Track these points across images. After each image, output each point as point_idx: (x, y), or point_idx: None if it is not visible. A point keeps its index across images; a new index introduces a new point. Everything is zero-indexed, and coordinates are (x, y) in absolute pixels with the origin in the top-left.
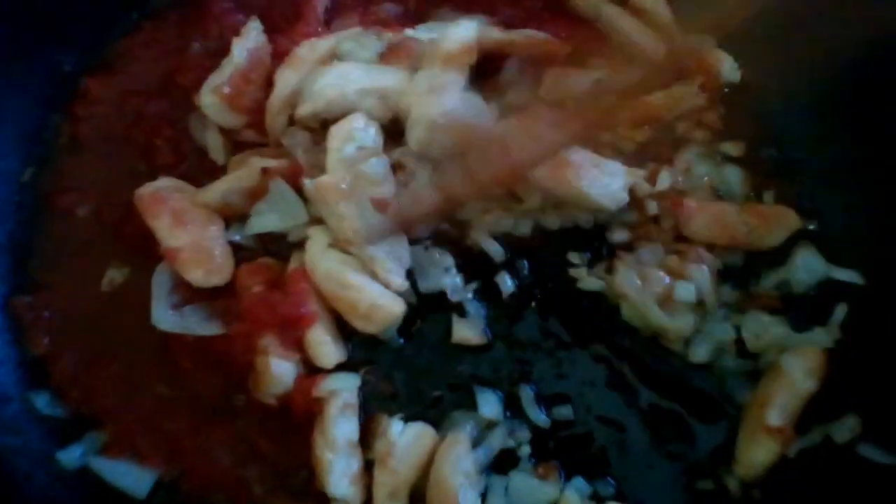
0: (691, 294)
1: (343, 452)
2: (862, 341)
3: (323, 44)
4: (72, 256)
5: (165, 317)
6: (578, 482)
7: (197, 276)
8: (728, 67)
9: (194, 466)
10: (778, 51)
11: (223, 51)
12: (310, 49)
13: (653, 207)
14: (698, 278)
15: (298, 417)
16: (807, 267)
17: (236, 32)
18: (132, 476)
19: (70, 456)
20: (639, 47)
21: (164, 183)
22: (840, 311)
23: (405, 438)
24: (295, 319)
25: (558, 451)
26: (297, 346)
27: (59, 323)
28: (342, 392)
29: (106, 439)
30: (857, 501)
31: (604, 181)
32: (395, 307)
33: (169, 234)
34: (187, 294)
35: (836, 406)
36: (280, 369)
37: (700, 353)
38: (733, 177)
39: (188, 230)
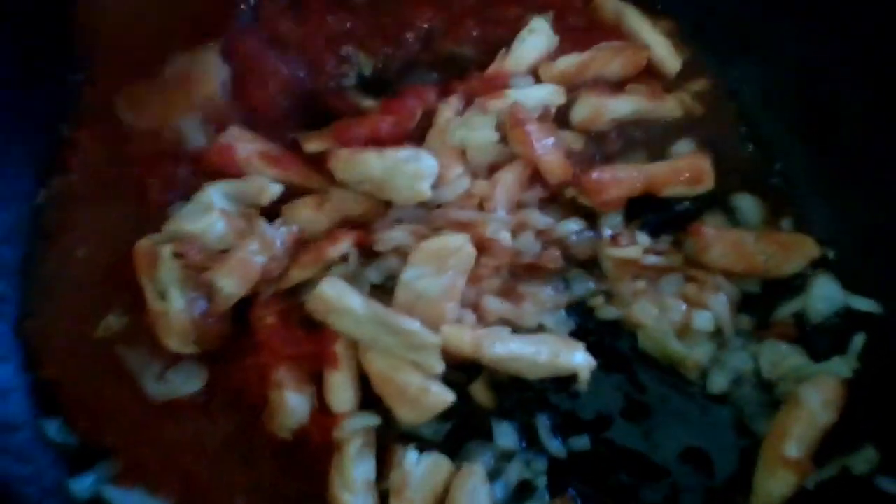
0: (709, 323)
1: (360, 492)
2: (880, 371)
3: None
4: (76, 291)
5: (155, 389)
6: None
7: (172, 343)
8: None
9: (207, 499)
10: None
11: None
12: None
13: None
14: (716, 307)
15: (314, 451)
16: (824, 296)
17: None
18: None
19: (82, 485)
20: (657, 59)
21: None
22: (858, 340)
23: (421, 469)
24: (317, 358)
25: (575, 482)
26: (311, 379)
27: (70, 348)
28: (361, 432)
29: (119, 468)
30: None
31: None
32: (446, 395)
33: (154, 297)
34: (168, 357)
35: (853, 437)
36: (295, 403)
37: (718, 384)
38: (747, 205)
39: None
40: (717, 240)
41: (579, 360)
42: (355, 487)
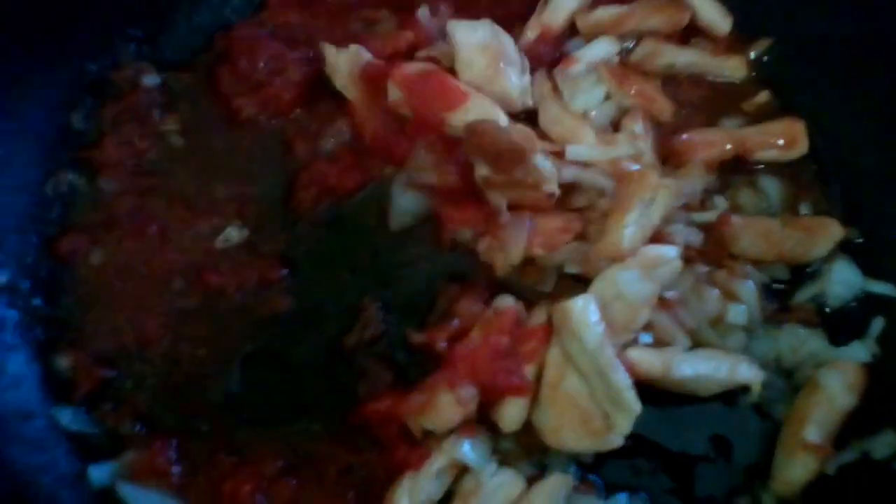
0: (743, 316)
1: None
2: None
3: None
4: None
5: None
6: (621, 498)
7: None
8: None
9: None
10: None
11: None
12: None
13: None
14: (745, 295)
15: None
16: (844, 280)
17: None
18: None
19: (100, 473)
20: (705, 20)
21: None
22: (877, 324)
23: (496, 481)
24: (503, 387)
25: (597, 469)
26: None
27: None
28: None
29: (135, 462)
30: None
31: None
32: (619, 440)
33: None
34: None
35: (873, 421)
36: (452, 412)
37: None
38: (771, 188)
39: None
40: (745, 229)
41: (751, 373)
42: (419, 499)
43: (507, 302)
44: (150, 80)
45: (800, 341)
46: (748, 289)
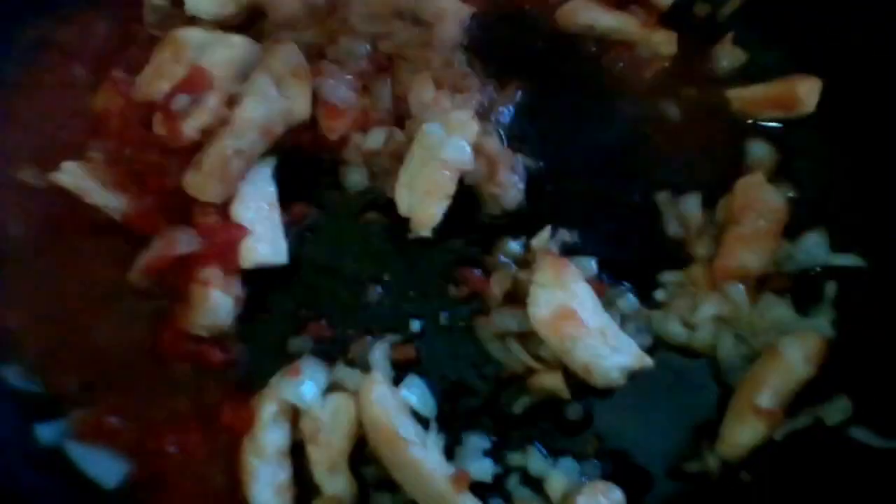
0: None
1: (272, 459)
2: (858, 324)
3: None
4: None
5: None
6: (567, 462)
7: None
8: None
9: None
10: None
11: None
12: None
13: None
14: (734, 295)
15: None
16: (808, 251)
17: None
18: (103, 465)
19: (47, 431)
20: None
21: None
22: (830, 288)
23: (328, 410)
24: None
25: (553, 437)
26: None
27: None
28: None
29: (83, 421)
30: (847, 484)
31: (603, 352)
32: None
33: None
34: None
35: (827, 388)
36: (219, 301)
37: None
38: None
39: None
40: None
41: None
42: (266, 454)
43: None
44: None
45: (767, 307)
46: (737, 289)
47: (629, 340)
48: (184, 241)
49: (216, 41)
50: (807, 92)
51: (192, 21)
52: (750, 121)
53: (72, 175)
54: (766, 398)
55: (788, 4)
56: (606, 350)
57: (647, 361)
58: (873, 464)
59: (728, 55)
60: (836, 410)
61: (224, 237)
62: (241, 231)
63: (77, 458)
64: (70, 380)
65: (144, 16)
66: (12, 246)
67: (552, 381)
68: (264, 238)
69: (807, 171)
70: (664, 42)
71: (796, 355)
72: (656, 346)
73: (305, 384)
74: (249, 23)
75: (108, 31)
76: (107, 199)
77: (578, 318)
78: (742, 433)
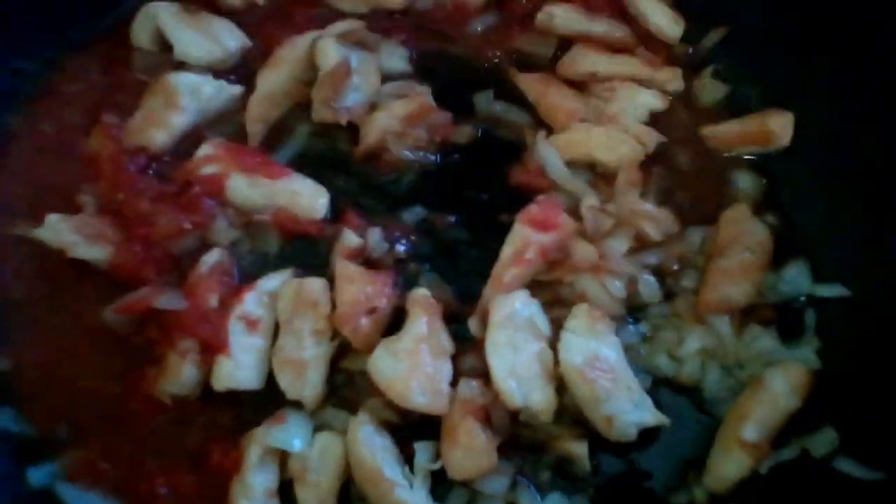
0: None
1: (259, 500)
2: (842, 354)
3: (302, 41)
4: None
5: None
6: (555, 497)
7: None
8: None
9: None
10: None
11: None
12: (290, 49)
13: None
14: (719, 328)
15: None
16: (792, 281)
17: None
18: None
19: (38, 474)
20: (655, 27)
21: None
22: (810, 317)
23: (316, 450)
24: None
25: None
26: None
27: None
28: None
29: (75, 464)
30: None
31: (626, 408)
32: None
33: None
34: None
35: (813, 419)
36: (190, 375)
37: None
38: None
39: None
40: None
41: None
42: (254, 495)
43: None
44: None
45: (752, 338)
46: (723, 321)
47: (646, 396)
48: (166, 298)
49: (208, 85)
50: (781, 126)
51: (181, 66)
52: (726, 154)
53: (54, 231)
54: (752, 431)
55: (766, 38)
56: (630, 406)
57: (664, 419)
58: (859, 496)
59: (708, 88)
60: (822, 441)
61: (207, 335)
62: (223, 349)
63: (69, 500)
64: (60, 423)
65: (132, 60)
66: (3, 289)
67: (577, 450)
68: (244, 366)
69: (789, 201)
70: (670, 80)
71: (782, 387)
72: None
73: (291, 432)
74: (240, 67)
75: (100, 75)
76: (90, 252)
77: (615, 370)
78: (728, 466)
